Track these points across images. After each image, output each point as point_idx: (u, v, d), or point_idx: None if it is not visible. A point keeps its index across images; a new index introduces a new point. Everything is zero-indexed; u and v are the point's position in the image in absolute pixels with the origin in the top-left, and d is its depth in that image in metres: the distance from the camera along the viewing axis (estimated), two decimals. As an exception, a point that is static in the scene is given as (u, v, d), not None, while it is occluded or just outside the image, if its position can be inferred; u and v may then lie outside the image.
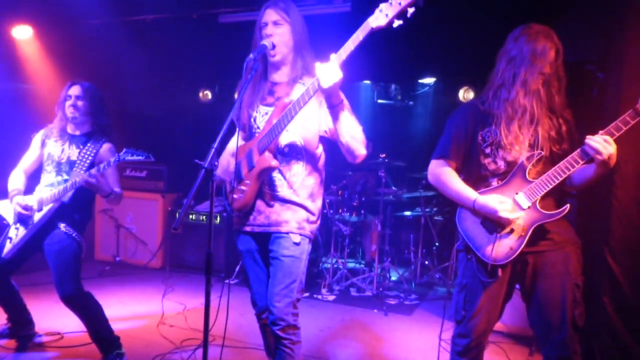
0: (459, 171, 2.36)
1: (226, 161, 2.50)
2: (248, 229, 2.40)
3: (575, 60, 3.93)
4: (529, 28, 2.21)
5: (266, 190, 2.34)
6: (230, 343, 3.59)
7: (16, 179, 3.22)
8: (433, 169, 2.38)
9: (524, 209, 2.16)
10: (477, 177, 2.30)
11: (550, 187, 2.13)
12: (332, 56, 2.04)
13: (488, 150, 2.25)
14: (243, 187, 2.34)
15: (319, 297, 4.90)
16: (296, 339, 2.32)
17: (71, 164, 3.11)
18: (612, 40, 3.22)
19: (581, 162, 2.09)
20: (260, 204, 2.35)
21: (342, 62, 2.04)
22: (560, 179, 2.12)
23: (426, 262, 5.57)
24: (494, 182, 2.25)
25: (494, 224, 2.19)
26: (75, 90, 3.19)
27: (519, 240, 2.15)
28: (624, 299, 2.97)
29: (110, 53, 5.58)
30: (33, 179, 3.27)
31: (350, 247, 5.73)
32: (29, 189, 3.21)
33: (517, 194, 2.17)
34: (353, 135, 2.22)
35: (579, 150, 2.09)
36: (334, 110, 2.16)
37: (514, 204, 2.17)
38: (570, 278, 2.17)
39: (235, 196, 2.37)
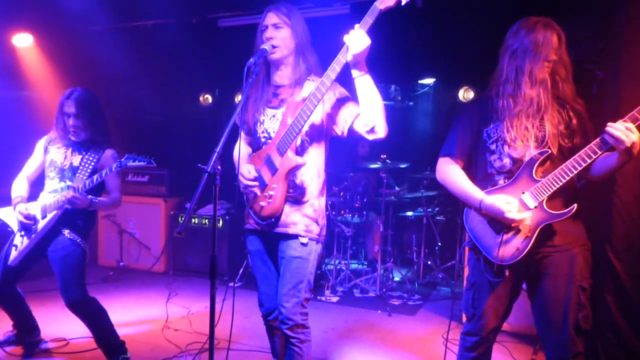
0: (465, 169, 2.32)
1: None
2: (258, 228, 2.43)
3: (574, 59, 3.94)
4: (527, 21, 2.17)
5: None
6: (235, 346, 3.60)
7: (19, 186, 3.21)
8: (440, 167, 2.36)
9: (530, 209, 2.11)
10: (483, 175, 2.27)
11: (558, 186, 2.06)
12: (357, 26, 2.06)
13: (493, 147, 2.22)
14: (271, 192, 2.32)
15: (323, 298, 4.90)
16: (305, 338, 2.36)
17: (74, 170, 3.12)
18: (611, 38, 3.23)
19: (599, 153, 1.98)
20: None
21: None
22: (568, 177, 2.04)
23: (429, 262, 5.57)
24: (501, 181, 2.21)
25: (501, 225, 2.16)
26: (70, 108, 3.10)
27: (526, 241, 2.11)
28: (627, 297, 2.97)
29: (110, 59, 5.59)
30: (37, 186, 3.27)
31: (353, 248, 5.73)
32: (33, 196, 3.22)
33: (523, 193, 2.12)
34: (375, 105, 2.16)
35: (597, 139, 1.98)
36: (361, 78, 2.14)
37: (520, 204, 2.12)
38: (575, 280, 2.13)
39: (262, 204, 2.36)
